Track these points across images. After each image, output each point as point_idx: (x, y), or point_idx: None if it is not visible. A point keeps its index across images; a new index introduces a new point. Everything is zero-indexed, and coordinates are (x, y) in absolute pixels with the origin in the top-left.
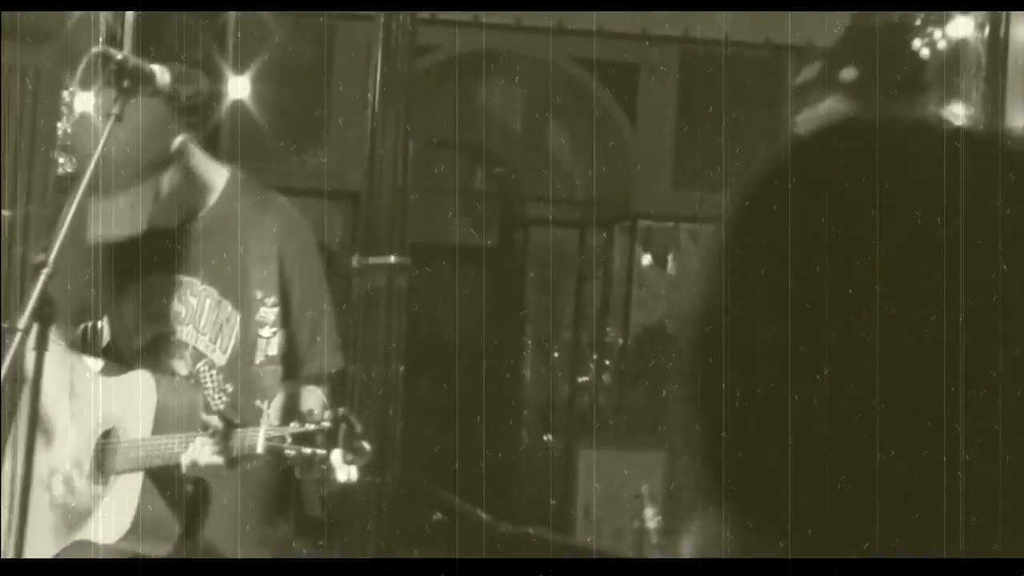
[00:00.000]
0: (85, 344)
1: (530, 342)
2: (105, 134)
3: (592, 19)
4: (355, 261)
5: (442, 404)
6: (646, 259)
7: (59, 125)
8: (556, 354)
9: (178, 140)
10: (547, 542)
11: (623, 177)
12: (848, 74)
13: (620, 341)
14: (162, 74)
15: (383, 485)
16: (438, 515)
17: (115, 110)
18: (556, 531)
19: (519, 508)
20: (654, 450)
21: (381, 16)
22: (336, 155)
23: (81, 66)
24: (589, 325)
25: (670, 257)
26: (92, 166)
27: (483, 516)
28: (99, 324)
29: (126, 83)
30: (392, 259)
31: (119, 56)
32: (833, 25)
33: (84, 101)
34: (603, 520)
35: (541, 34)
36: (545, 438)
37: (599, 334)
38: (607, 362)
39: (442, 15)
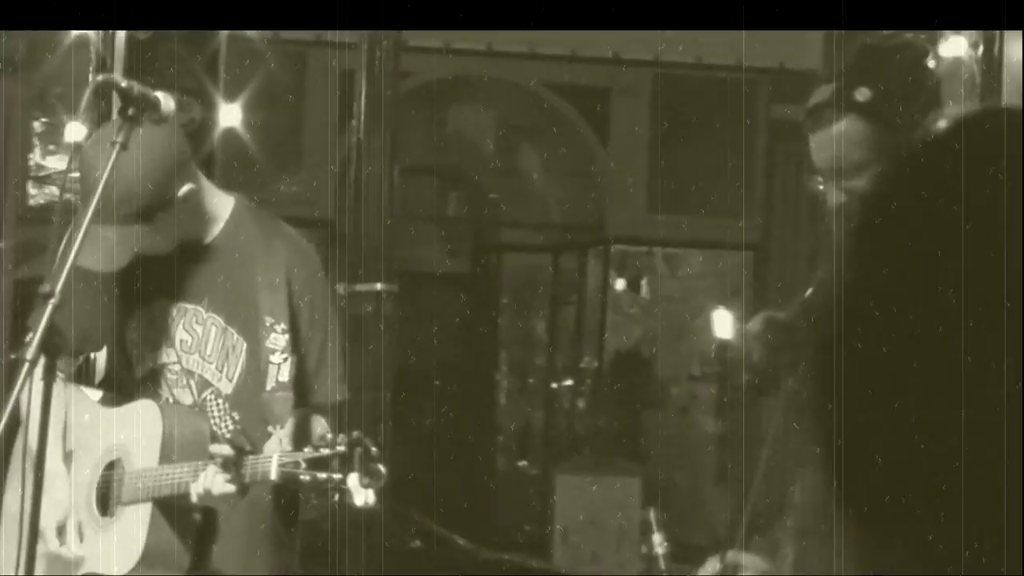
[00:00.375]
0: (80, 377)
1: (505, 368)
2: (110, 162)
3: (564, 44)
4: (341, 289)
5: (420, 431)
6: (620, 283)
7: (30, 156)
8: (531, 380)
9: (186, 188)
10: (526, 568)
11: (596, 201)
12: (862, 94)
13: (595, 365)
14: (166, 101)
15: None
16: (417, 542)
17: (119, 138)
18: (534, 557)
19: (496, 534)
20: (630, 475)
21: (364, 43)
22: (312, 183)
23: (86, 94)
24: (564, 350)
25: (644, 281)
26: (97, 195)
27: (462, 542)
28: (92, 357)
29: (131, 111)
30: (379, 286)
31: (124, 84)
32: (806, 47)
33: (76, 131)
34: (581, 545)
35: (513, 59)
36: (520, 464)
37: (574, 359)
38: (582, 387)
39: (414, 42)
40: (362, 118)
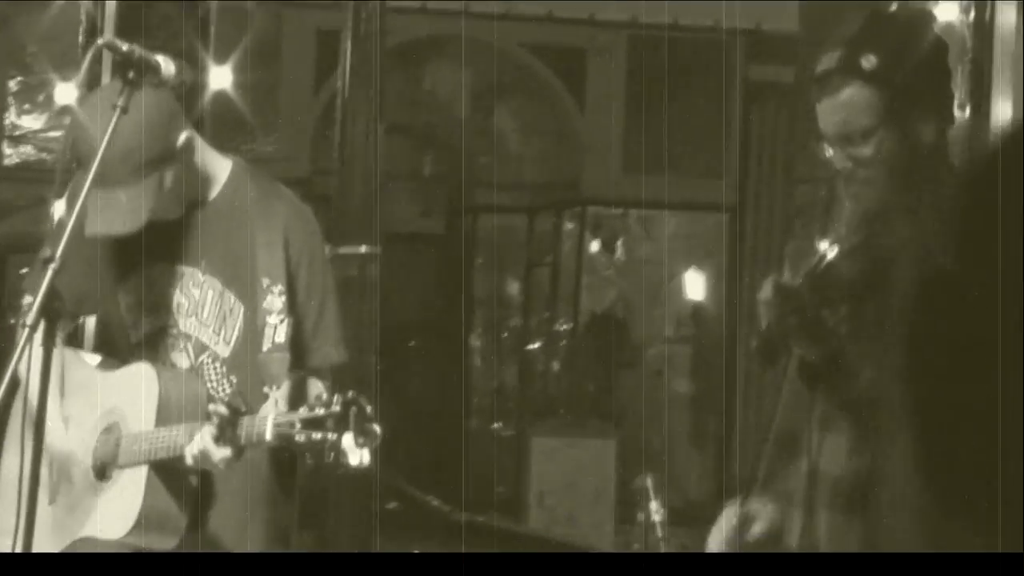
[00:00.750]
0: (70, 342)
1: (479, 329)
2: (111, 126)
3: (541, 5)
4: (326, 251)
5: (396, 393)
6: (595, 245)
7: (5, 115)
8: (506, 341)
9: (183, 136)
10: (501, 530)
11: (572, 162)
12: (868, 61)
13: (570, 327)
14: (166, 65)
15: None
16: (393, 504)
17: (120, 102)
18: (509, 519)
19: (471, 496)
20: (605, 437)
21: (350, 3)
22: (292, 143)
23: (87, 57)
24: (538, 311)
25: (619, 243)
26: (98, 159)
27: (436, 503)
28: (81, 321)
29: (131, 74)
30: (363, 248)
31: (125, 47)
32: (783, 9)
33: (66, 93)
34: (556, 507)
35: (489, 20)
36: (495, 426)
37: (549, 320)
38: (557, 349)
39: (390, 3)
40: (347, 78)
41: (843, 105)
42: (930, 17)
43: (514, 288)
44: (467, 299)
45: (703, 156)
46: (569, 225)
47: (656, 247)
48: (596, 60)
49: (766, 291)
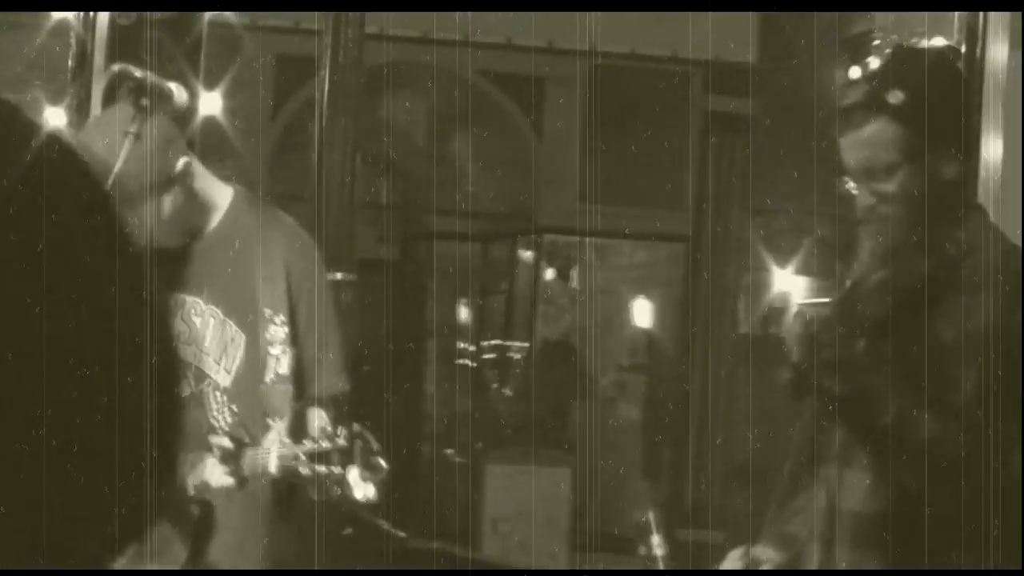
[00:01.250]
0: None
1: (433, 356)
2: (124, 153)
3: (500, 32)
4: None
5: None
6: (550, 273)
7: None
8: (459, 368)
9: (181, 162)
10: (454, 556)
11: (528, 190)
12: (895, 96)
13: (525, 355)
14: (179, 92)
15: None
16: (348, 530)
17: (133, 128)
18: (463, 546)
19: (425, 523)
20: (560, 465)
21: (328, 30)
22: (244, 170)
23: (101, 84)
24: (493, 339)
25: (574, 271)
26: (109, 185)
27: (389, 529)
28: None
29: (144, 101)
30: (339, 276)
31: (138, 73)
32: (742, 40)
33: (55, 117)
34: (510, 535)
35: (448, 47)
36: (448, 452)
37: (503, 348)
38: (511, 377)
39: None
40: (324, 106)
41: (868, 140)
42: (957, 54)
43: (468, 315)
44: (421, 326)
45: (660, 186)
46: (525, 253)
47: (611, 276)
48: (555, 88)
49: (795, 324)
